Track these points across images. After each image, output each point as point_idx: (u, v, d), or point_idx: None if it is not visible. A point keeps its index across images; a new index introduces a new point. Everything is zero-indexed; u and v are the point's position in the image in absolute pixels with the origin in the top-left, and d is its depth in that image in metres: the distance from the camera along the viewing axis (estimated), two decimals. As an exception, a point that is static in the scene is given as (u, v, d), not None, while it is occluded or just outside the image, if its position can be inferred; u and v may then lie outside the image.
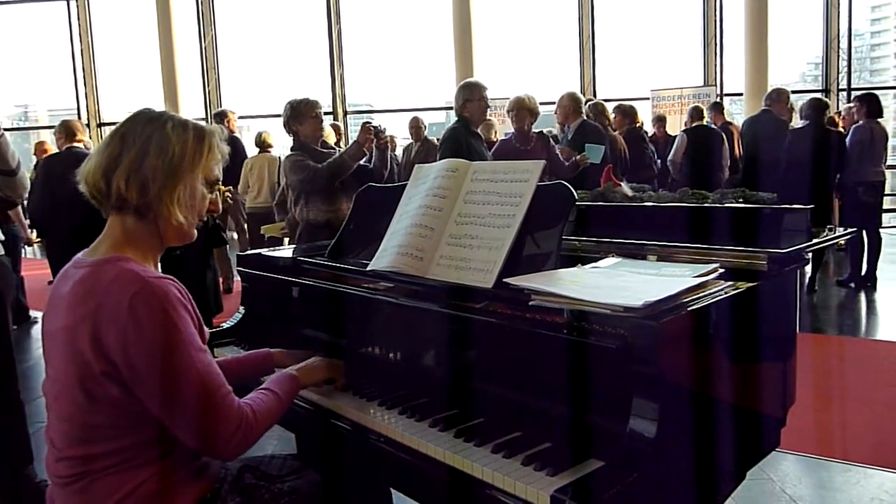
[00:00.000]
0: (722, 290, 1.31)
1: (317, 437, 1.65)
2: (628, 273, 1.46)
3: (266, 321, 2.07)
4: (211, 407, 1.21)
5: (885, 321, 5.48)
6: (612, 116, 6.42)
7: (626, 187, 2.17)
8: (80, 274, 1.24)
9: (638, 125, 6.96)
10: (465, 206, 1.63)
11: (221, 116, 6.87)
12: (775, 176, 5.60)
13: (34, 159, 7.20)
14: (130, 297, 1.16)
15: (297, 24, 12.87)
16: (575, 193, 1.54)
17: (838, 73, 10.92)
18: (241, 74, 12.32)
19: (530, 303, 1.29)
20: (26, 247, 5.61)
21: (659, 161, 7.07)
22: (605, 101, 6.56)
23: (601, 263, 1.58)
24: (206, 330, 1.35)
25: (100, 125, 11.85)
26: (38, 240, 4.84)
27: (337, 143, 5.76)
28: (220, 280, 5.33)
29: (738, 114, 10.59)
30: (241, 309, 2.14)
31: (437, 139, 5.74)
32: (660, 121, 8.16)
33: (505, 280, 1.39)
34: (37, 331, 5.54)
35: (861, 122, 6.15)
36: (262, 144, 6.44)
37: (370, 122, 3.44)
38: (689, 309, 1.22)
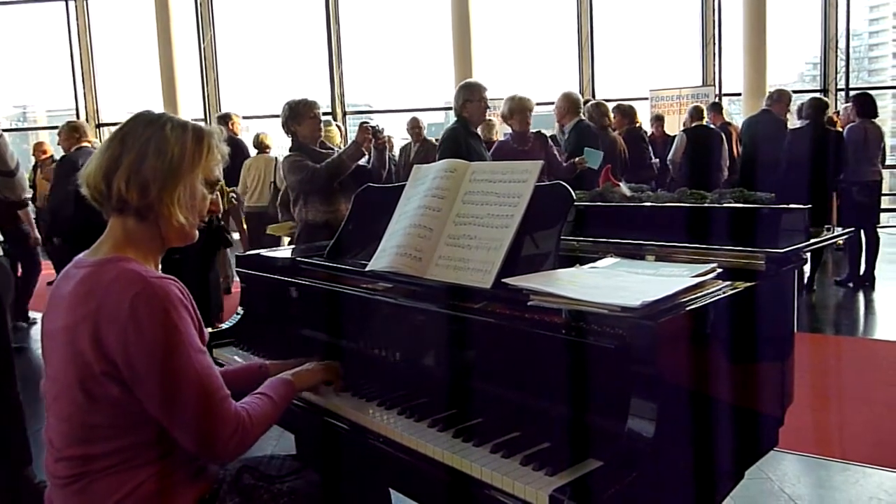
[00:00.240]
0: (720, 290, 1.32)
1: (316, 437, 1.65)
2: (626, 273, 1.46)
3: (265, 322, 2.07)
4: (209, 409, 1.21)
5: (883, 321, 5.49)
6: (612, 116, 6.42)
7: (624, 187, 2.17)
8: (81, 274, 1.24)
9: (637, 125, 6.96)
10: (464, 207, 1.63)
11: (225, 119, 6.89)
12: (774, 176, 5.60)
13: (33, 160, 7.20)
14: (132, 297, 1.16)
15: (296, 25, 12.88)
16: (573, 194, 1.54)
17: (836, 73, 10.93)
18: (240, 75, 12.32)
19: (529, 303, 1.29)
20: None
21: (658, 161, 7.07)
22: (605, 101, 6.55)
23: (599, 263, 1.59)
24: (206, 331, 1.35)
25: (98, 126, 11.84)
26: (56, 240, 4.87)
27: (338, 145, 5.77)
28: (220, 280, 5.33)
29: (736, 114, 10.60)
30: (240, 310, 2.15)
31: (436, 140, 5.75)
32: (658, 120, 8.16)
33: (503, 280, 1.40)
34: (37, 331, 5.54)
35: (854, 122, 6.16)
36: (260, 146, 6.48)
37: (368, 123, 3.43)
38: (687, 309, 1.22)
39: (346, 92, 11.74)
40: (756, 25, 10.20)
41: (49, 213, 4.80)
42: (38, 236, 5.03)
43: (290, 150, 3.57)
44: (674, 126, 8.62)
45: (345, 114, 11.71)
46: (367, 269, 1.68)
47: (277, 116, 3.65)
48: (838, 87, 10.89)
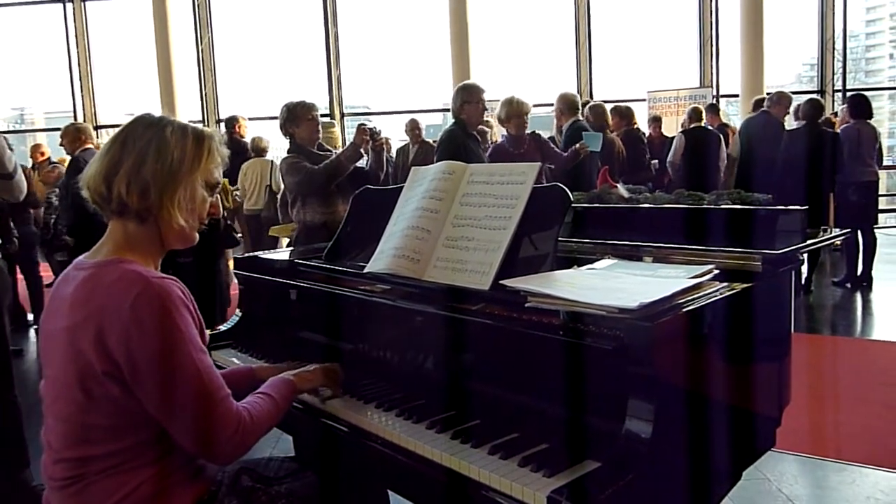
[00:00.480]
0: (717, 291, 1.32)
1: (314, 439, 1.65)
2: (624, 274, 1.46)
3: (263, 324, 2.07)
4: (210, 409, 1.21)
5: (880, 321, 5.50)
6: (610, 118, 6.42)
7: (622, 189, 2.17)
8: (82, 275, 1.25)
9: (635, 126, 6.97)
10: (462, 209, 1.63)
11: (232, 122, 6.90)
12: (771, 177, 5.61)
13: (30, 162, 7.18)
14: (134, 297, 1.17)
15: (294, 27, 12.86)
16: (571, 195, 1.55)
17: (833, 74, 10.95)
18: (237, 77, 12.32)
19: (526, 304, 1.29)
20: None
21: (656, 162, 7.07)
22: (603, 102, 6.56)
23: (597, 265, 1.59)
24: (206, 333, 1.35)
25: (96, 128, 11.80)
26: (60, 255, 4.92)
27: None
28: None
29: (734, 115, 10.61)
30: (238, 312, 2.15)
31: (434, 141, 5.75)
32: (655, 121, 8.16)
33: (501, 282, 1.40)
34: (35, 334, 5.54)
35: (848, 122, 6.17)
36: (257, 149, 6.51)
37: (366, 125, 3.44)
38: (684, 310, 1.22)
39: (345, 93, 11.74)
40: (753, 27, 10.21)
41: (64, 211, 4.85)
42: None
43: (288, 152, 3.57)
44: (671, 127, 8.62)
45: (343, 115, 11.71)
46: (365, 270, 1.68)
47: (275, 118, 3.65)
48: (835, 88, 10.91)
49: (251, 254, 2.21)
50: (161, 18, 11.03)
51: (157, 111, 1.37)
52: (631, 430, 1.12)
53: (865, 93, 7.62)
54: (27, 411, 2.66)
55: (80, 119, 11.59)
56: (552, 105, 5.36)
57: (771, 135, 5.99)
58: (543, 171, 3.83)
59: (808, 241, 1.70)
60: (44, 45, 13.26)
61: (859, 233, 6.12)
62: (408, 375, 1.59)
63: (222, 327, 2.10)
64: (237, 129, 6.79)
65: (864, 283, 6.22)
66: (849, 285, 6.27)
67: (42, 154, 7.15)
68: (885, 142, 10.68)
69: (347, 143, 3.57)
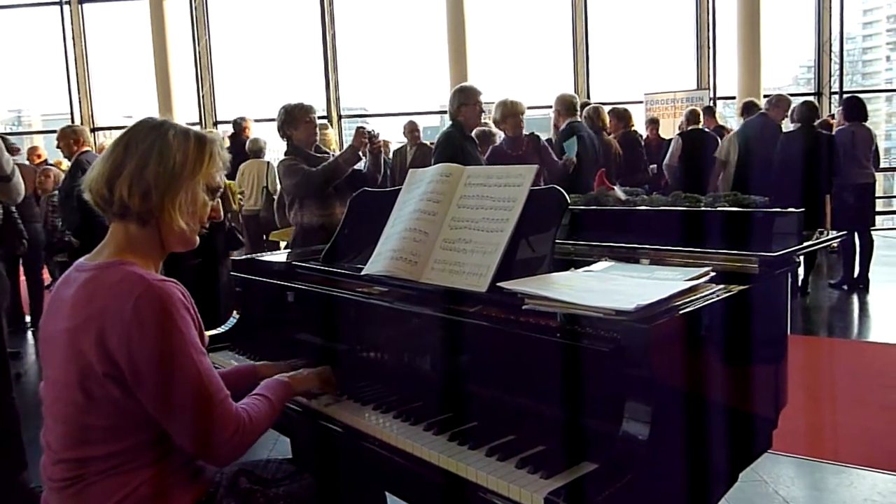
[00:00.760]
0: (713, 293, 1.33)
1: (312, 441, 1.65)
2: (621, 277, 1.47)
3: (260, 326, 2.07)
4: (209, 410, 1.22)
5: (876, 323, 5.51)
6: (607, 120, 6.43)
7: (619, 191, 2.18)
8: (83, 277, 1.26)
9: (632, 128, 6.97)
10: (459, 211, 1.64)
11: (239, 123, 6.91)
12: (768, 179, 5.62)
13: (28, 164, 7.16)
14: (135, 299, 1.17)
15: (292, 29, 12.89)
16: (568, 197, 1.55)
17: (830, 76, 10.98)
18: (235, 79, 12.33)
19: (524, 306, 1.29)
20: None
21: (654, 166, 7.08)
22: (601, 104, 6.57)
23: (594, 267, 1.59)
24: (206, 335, 1.36)
25: (94, 130, 11.80)
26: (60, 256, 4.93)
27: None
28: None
29: (730, 117, 10.64)
30: (236, 314, 2.15)
31: (432, 143, 5.76)
32: (652, 123, 8.17)
33: (498, 284, 1.40)
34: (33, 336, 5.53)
35: (843, 125, 6.18)
36: (253, 150, 6.52)
37: (364, 127, 3.45)
38: (680, 312, 1.23)
39: (342, 96, 11.75)
40: (750, 29, 10.24)
41: (67, 213, 4.84)
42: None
43: (286, 154, 3.57)
44: (668, 129, 8.64)
45: (340, 117, 11.72)
46: (362, 273, 1.69)
47: (273, 120, 3.65)
48: (832, 90, 10.94)
49: (249, 256, 2.22)
50: (158, 20, 11.04)
51: (154, 113, 1.38)
52: (628, 431, 1.13)
53: (862, 95, 7.65)
54: (25, 413, 2.66)
55: (77, 121, 11.58)
56: (550, 107, 5.37)
57: (769, 137, 5.99)
58: (541, 174, 3.83)
59: (805, 244, 1.70)
60: (41, 47, 13.28)
61: (856, 235, 6.13)
62: (405, 377, 1.59)
63: (220, 329, 2.10)
64: (244, 131, 6.82)
65: (861, 286, 6.23)
66: (845, 287, 6.28)
67: (39, 157, 7.15)
68: (882, 144, 10.71)
69: (344, 145, 3.58)
